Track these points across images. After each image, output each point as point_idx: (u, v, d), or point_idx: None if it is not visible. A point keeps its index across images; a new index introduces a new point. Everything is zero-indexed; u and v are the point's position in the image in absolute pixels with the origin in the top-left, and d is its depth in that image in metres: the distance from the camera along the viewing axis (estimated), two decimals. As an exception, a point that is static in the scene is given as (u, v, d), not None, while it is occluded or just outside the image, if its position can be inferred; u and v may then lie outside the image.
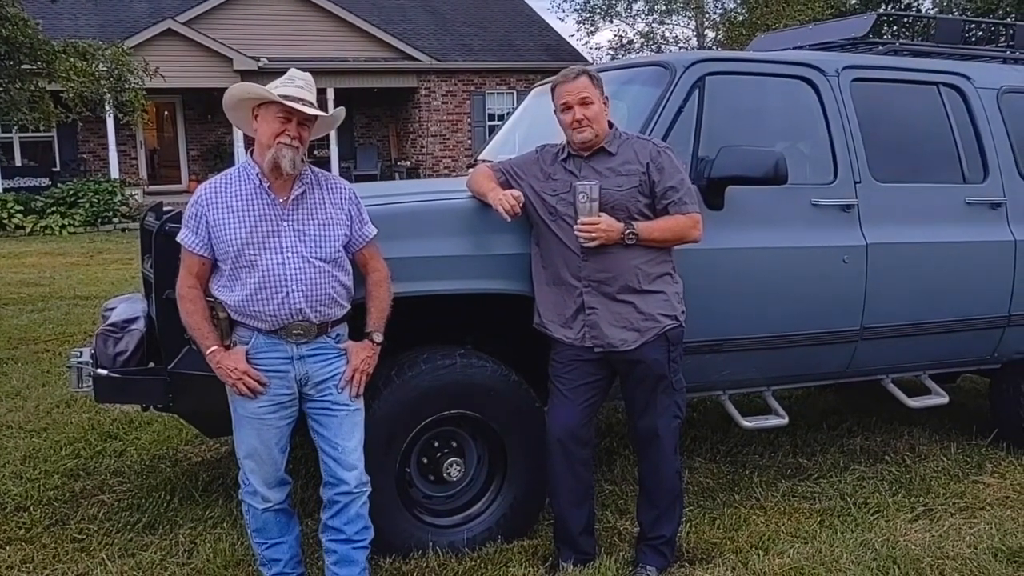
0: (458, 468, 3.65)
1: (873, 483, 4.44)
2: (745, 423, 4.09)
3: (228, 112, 3.16)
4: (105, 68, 8.94)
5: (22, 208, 18.75)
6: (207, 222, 2.98)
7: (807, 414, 5.53)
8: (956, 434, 5.16)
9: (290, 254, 2.98)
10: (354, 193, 3.19)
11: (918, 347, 4.42)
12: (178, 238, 3.04)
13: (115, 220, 19.40)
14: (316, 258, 3.01)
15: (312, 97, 3.04)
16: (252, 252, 2.96)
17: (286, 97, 2.96)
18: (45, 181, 20.65)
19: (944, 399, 4.54)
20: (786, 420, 4.15)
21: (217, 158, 22.80)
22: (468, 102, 24.79)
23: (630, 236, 3.31)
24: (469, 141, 24.64)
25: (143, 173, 22.94)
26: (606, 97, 3.45)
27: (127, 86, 9.21)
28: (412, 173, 24.24)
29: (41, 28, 8.81)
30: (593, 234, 3.27)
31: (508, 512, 3.70)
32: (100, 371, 3.58)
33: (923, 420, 5.30)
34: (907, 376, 4.62)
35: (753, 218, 3.96)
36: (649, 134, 3.74)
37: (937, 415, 5.30)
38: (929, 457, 4.81)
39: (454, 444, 3.68)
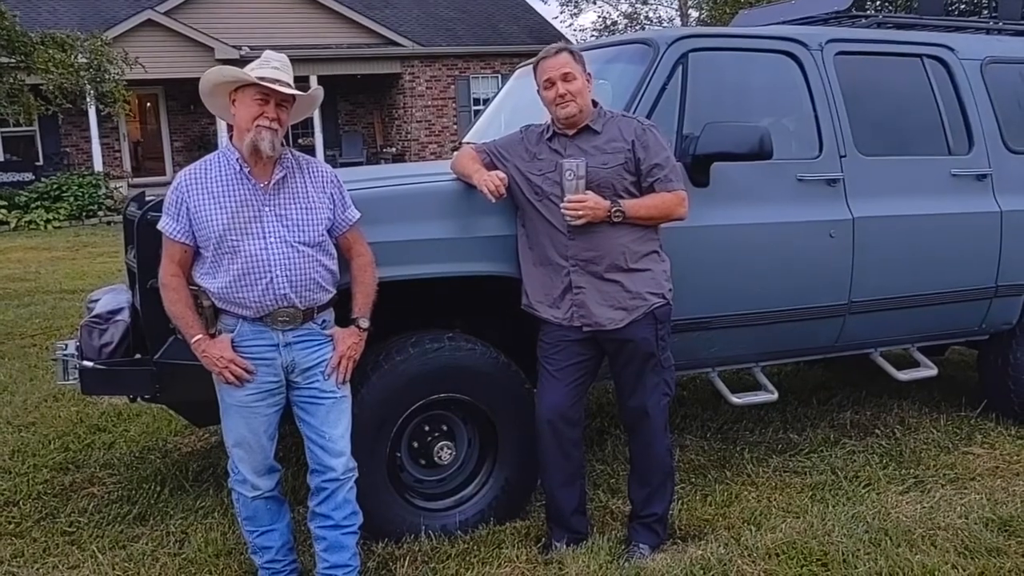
0: (449, 452, 3.64)
1: (864, 456, 4.45)
2: (735, 400, 4.09)
3: (205, 99, 3.12)
4: (85, 59, 8.84)
5: (6, 203, 18.59)
6: (188, 209, 2.95)
7: (797, 389, 5.54)
8: (945, 406, 5.17)
9: (273, 239, 2.95)
10: (336, 176, 3.16)
11: (906, 320, 4.43)
12: (159, 226, 3.01)
13: (100, 213, 19.27)
14: (299, 242, 2.98)
15: (289, 78, 3.00)
16: (234, 238, 2.93)
17: (263, 79, 2.92)
18: (28, 176, 20.46)
19: (933, 371, 4.55)
20: (776, 396, 4.16)
21: (201, 148, 22.62)
22: (453, 87, 24.67)
23: (617, 214, 3.29)
24: (455, 126, 24.54)
25: (127, 165, 22.78)
26: (589, 74, 3.42)
27: (107, 77, 9.12)
28: (398, 159, 24.13)
29: (19, 20, 8.70)
30: (580, 212, 3.25)
31: (500, 494, 3.69)
32: (86, 363, 3.55)
33: (912, 393, 5.32)
34: (896, 349, 4.63)
35: (739, 194, 3.95)
36: (634, 112, 3.72)
37: (926, 388, 5.32)
38: (919, 429, 4.83)
39: (444, 428, 3.66)
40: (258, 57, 3.07)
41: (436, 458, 3.62)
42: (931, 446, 4.59)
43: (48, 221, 18.51)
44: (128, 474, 4.43)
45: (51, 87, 8.93)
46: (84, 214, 19.13)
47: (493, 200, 3.36)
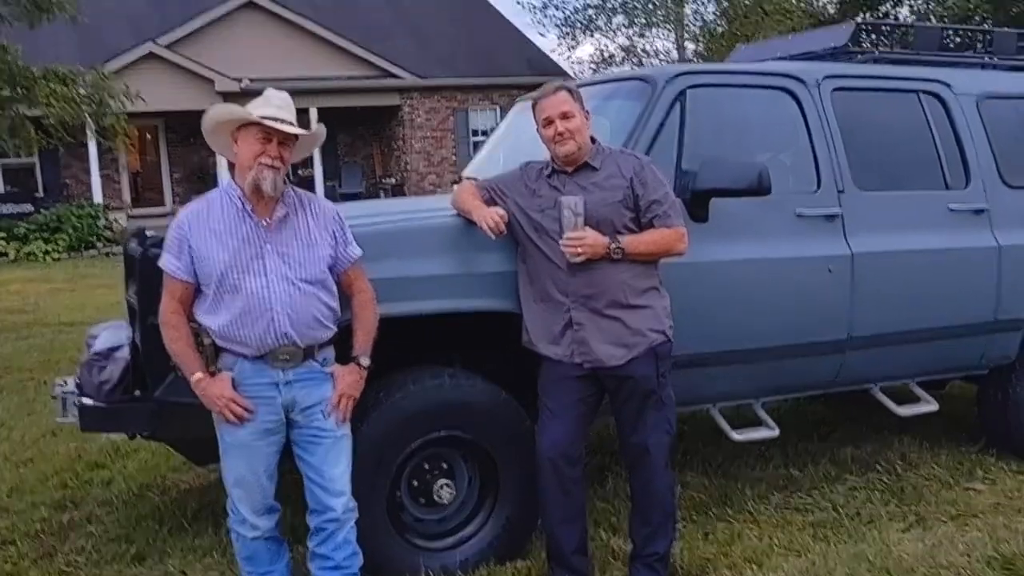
0: (449, 490, 3.62)
1: (865, 493, 4.43)
2: (736, 436, 4.08)
3: (208, 137, 3.13)
4: (86, 93, 8.89)
5: (5, 234, 18.63)
6: (190, 246, 2.96)
7: (797, 425, 5.51)
8: (946, 441, 5.15)
9: (274, 276, 2.95)
10: (338, 213, 3.17)
11: (906, 355, 4.42)
12: (160, 263, 3.01)
13: (99, 245, 19.31)
14: (300, 280, 2.98)
15: (291, 117, 3.02)
16: (236, 276, 2.93)
17: (265, 117, 2.94)
18: (28, 207, 20.50)
19: (933, 406, 4.54)
20: (776, 432, 4.14)
21: (200, 180, 22.70)
22: (451, 118, 24.81)
23: (616, 250, 3.30)
24: (453, 157, 24.65)
25: (126, 196, 22.82)
26: (587, 112, 3.45)
27: (108, 111, 9.17)
28: (397, 190, 24.22)
29: (20, 54, 8.76)
30: (579, 249, 3.26)
31: (500, 533, 3.67)
32: (85, 400, 3.54)
33: (913, 428, 5.30)
34: (896, 384, 4.62)
35: (738, 230, 3.96)
36: (632, 148, 3.74)
37: (926, 422, 5.29)
38: (920, 465, 4.81)
39: (444, 466, 3.64)
40: (258, 90, 3.09)
41: (436, 497, 3.60)
42: (932, 482, 4.57)
43: (47, 252, 18.54)
44: (126, 512, 4.40)
45: (53, 121, 8.99)
46: (83, 245, 19.16)
47: (493, 237, 3.37)
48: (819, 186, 4.18)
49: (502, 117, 4.83)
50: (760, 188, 3.72)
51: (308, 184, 21.87)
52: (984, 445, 4.97)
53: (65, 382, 3.78)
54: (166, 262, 2.99)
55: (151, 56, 20.70)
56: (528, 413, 3.63)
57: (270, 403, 3.00)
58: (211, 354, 3.00)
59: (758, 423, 4.21)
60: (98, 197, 20.75)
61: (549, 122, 3.39)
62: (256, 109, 2.99)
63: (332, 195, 22.91)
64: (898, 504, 4.29)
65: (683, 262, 3.55)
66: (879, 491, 4.45)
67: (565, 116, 3.36)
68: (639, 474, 3.51)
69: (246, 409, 2.96)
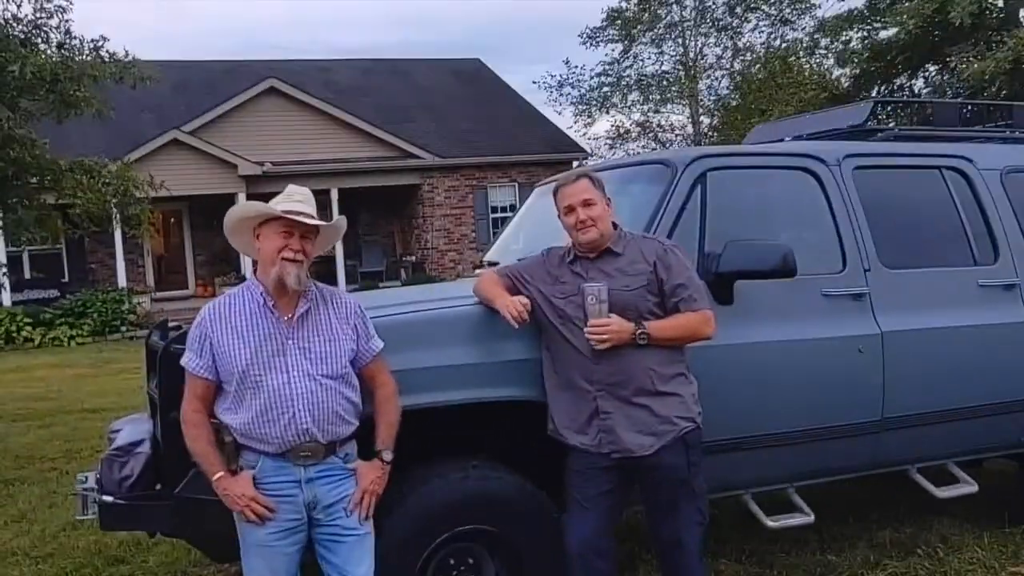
0: (476, 586, 3.51)
1: (907, 579, 4.28)
2: (770, 523, 3.96)
3: (229, 236, 3.15)
4: (111, 184, 9.06)
5: (31, 320, 18.85)
6: (211, 344, 2.94)
7: (832, 506, 5.35)
8: (987, 522, 4.98)
9: (296, 373, 2.92)
10: (360, 307, 3.15)
11: (943, 435, 4.31)
12: (182, 362, 2.99)
13: (123, 329, 19.49)
14: (323, 375, 2.95)
15: (312, 211, 3.03)
16: (257, 372, 2.91)
17: (287, 212, 2.95)
18: (54, 292, 20.82)
19: (973, 488, 4.40)
20: (812, 518, 4.02)
21: (224, 263, 22.99)
22: (471, 196, 25.11)
23: (641, 336, 3.25)
24: (473, 234, 24.87)
25: (150, 280, 23.12)
26: (608, 198, 3.44)
27: (132, 200, 9.32)
28: (418, 268, 24.40)
29: (48, 147, 8.95)
30: (604, 335, 3.22)
31: (529, 628, 3.54)
32: (106, 498, 3.50)
33: (953, 508, 5.12)
34: (933, 464, 4.49)
35: (764, 312, 3.91)
36: (654, 232, 3.72)
37: (966, 502, 5.12)
38: (962, 548, 4.64)
39: (470, 560, 3.54)
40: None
41: (463, 592, 3.49)
42: (976, 566, 4.41)
43: (72, 337, 18.72)
44: (146, 609, 4.31)
45: (79, 212, 9.14)
46: (107, 329, 19.34)
47: (516, 326, 3.33)
48: (844, 265, 4.14)
49: (521, 194, 4.84)
50: (786, 269, 3.69)
51: (329, 263, 22.07)
52: (1028, 526, 4.80)
53: (86, 478, 3.74)
54: (188, 360, 2.97)
55: (175, 143, 21.17)
56: (556, 504, 3.54)
57: (292, 501, 2.94)
58: (232, 452, 2.96)
59: (792, 508, 4.09)
60: (122, 281, 21.04)
61: (571, 210, 3.38)
62: (278, 205, 3.00)
63: (353, 274, 23.11)
64: (942, 591, 4.13)
65: (710, 345, 3.50)
66: (921, 577, 4.29)
67: (587, 204, 3.35)
68: (672, 566, 3.42)
69: (267, 508, 2.90)
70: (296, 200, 3.03)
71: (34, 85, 8.23)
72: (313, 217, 3.01)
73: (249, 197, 16.97)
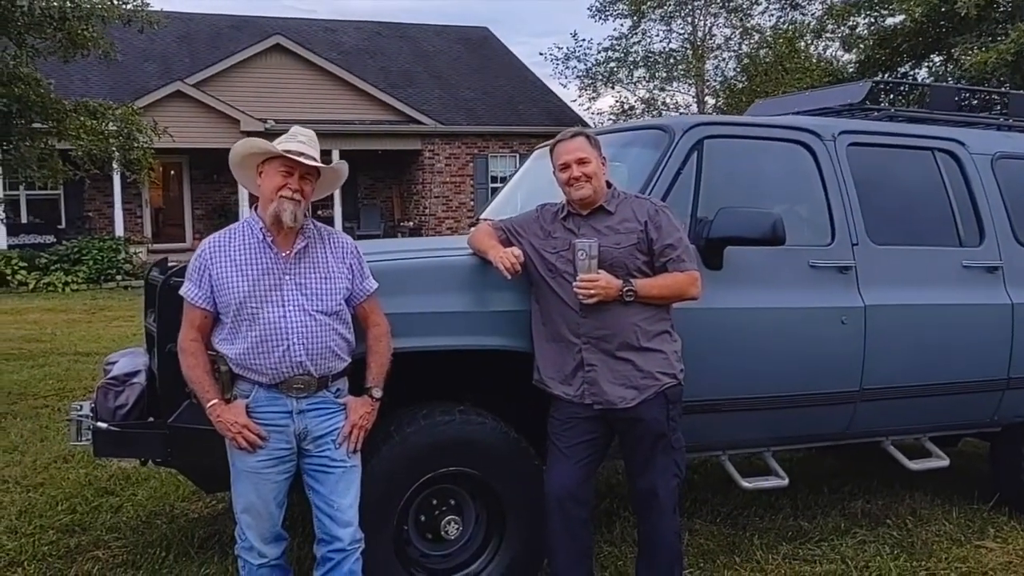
0: (456, 526, 3.62)
1: (875, 547, 4.40)
2: (745, 484, 4.07)
3: (234, 169, 3.22)
4: (115, 127, 9.07)
5: (26, 264, 18.87)
6: (210, 275, 3.02)
7: (808, 476, 5.49)
8: (958, 498, 5.12)
9: (291, 307, 3.00)
10: (356, 247, 3.23)
11: (918, 409, 4.42)
12: (181, 291, 3.07)
13: (118, 278, 19.51)
14: (317, 311, 3.03)
15: (315, 153, 3.09)
16: (254, 305, 2.99)
17: (288, 151, 3.02)
18: (50, 238, 20.83)
19: (945, 462, 4.52)
20: (786, 481, 4.13)
21: (222, 217, 22.97)
22: (471, 164, 25.08)
23: (628, 293, 3.33)
24: (472, 203, 24.87)
25: (147, 231, 23.13)
26: (604, 158, 3.51)
27: (136, 145, 9.34)
28: (415, 233, 24.38)
29: (53, 88, 8.96)
30: (592, 291, 3.30)
31: (506, 572, 3.65)
32: (100, 424, 3.58)
33: (924, 484, 5.27)
34: (908, 439, 4.61)
35: (752, 278, 3.99)
36: (648, 195, 3.79)
37: (938, 479, 5.26)
38: (931, 521, 4.77)
39: (452, 502, 3.65)
40: (281, 130, 3.17)
41: (443, 532, 3.60)
42: (943, 539, 4.54)
43: (67, 283, 18.73)
44: (134, 538, 4.42)
45: (80, 153, 9.16)
46: (102, 278, 19.36)
47: (509, 277, 3.42)
48: (833, 238, 4.22)
49: (521, 164, 4.91)
50: (775, 238, 3.76)
51: (327, 224, 22.04)
52: (996, 503, 4.93)
53: (81, 406, 3.82)
54: (186, 290, 3.05)
55: (179, 94, 21.09)
56: (538, 453, 3.64)
57: (283, 431, 3.03)
58: (227, 381, 3.04)
59: (768, 472, 4.20)
60: (119, 231, 21.05)
61: (566, 167, 3.45)
62: (281, 143, 3.07)
63: (351, 236, 23.09)
64: (908, 559, 4.25)
65: (697, 307, 3.59)
66: (889, 546, 4.42)
67: (581, 161, 3.42)
68: (646, 518, 3.51)
69: (259, 436, 2.99)
70: (299, 140, 3.10)
71: (42, 22, 8.22)
72: (315, 159, 3.08)
73: (250, 152, 16.90)
